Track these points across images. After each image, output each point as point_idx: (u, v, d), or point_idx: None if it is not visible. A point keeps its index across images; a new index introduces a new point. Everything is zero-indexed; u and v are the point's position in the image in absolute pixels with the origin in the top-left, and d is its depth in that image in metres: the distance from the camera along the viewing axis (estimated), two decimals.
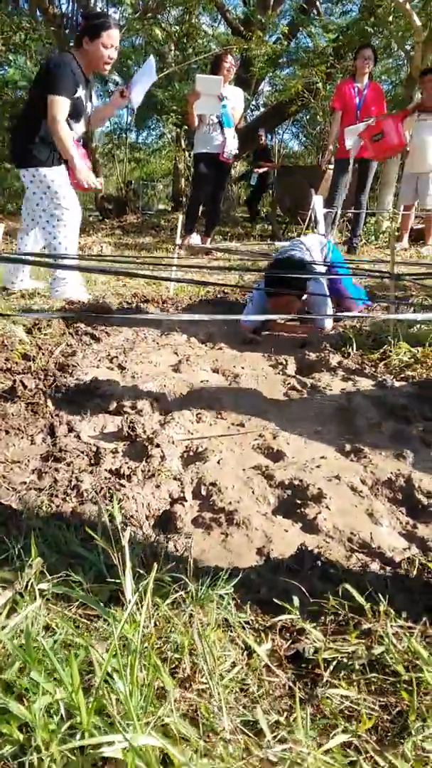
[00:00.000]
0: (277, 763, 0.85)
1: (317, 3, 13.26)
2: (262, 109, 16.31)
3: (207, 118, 7.13)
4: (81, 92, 4.11)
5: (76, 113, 4.13)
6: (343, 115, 7.09)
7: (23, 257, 3.67)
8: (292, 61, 13.14)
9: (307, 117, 16.68)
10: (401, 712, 0.96)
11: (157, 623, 1.14)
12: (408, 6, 7.95)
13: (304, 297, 3.60)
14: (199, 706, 0.94)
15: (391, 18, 9.12)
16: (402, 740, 0.91)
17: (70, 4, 11.97)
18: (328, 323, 3.69)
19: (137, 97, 4.32)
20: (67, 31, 10.92)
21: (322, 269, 3.86)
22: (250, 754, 0.86)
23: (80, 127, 4.30)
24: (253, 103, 15.10)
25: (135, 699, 0.90)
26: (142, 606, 1.05)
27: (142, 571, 1.32)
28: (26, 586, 1.21)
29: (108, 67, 4.18)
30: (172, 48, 14.07)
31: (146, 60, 4.55)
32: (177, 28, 13.41)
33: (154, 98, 12.94)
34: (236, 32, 12.97)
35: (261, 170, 12.50)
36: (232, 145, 7.23)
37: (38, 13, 11.15)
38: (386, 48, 11.63)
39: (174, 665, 1.05)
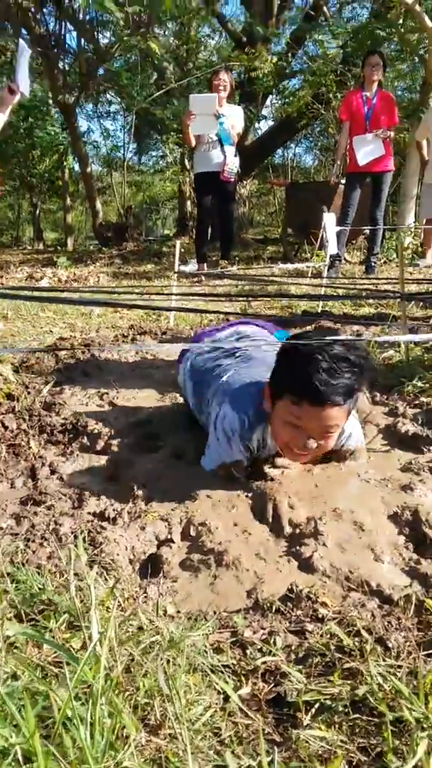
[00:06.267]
0: None
1: (324, 9, 13.60)
2: (270, 123, 16.66)
3: (205, 136, 7.36)
4: None
5: None
6: (352, 126, 7.25)
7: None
8: (299, 71, 13.43)
9: (318, 129, 16.98)
10: (381, 753, 0.99)
11: (131, 669, 1.18)
12: (418, 7, 8.15)
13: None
14: (165, 751, 0.98)
15: (401, 21, 9.32)
16: None
17: (57, 23, 12.39)
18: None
19: (24, 84, 4.54)
20: (55, 50, 11.31)
21: None
22: None
23: None
24: (262, 115, 15.40)
25: (96, 744, 0.94)
26: (105, 648, 1.09)
27: (121, 615, 1.37)
28: None
29: None
30: (171, 63, 14.44)
31: (18, 46, 4.77)
32: (175, 42, 13.79)
33: (153, 117, 13.26)
34: (239, 44, 13.33)
35: None
36: (233, 163, 7.42)
37: (23, 32, 11.55)
38: (400, 53, 11.87)
39: (146, 712, 1.09)
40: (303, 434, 1.91)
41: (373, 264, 7.74)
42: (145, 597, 1.50)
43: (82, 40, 12.49)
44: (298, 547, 1.75)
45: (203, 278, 7.35)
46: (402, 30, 9.38)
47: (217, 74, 7.56)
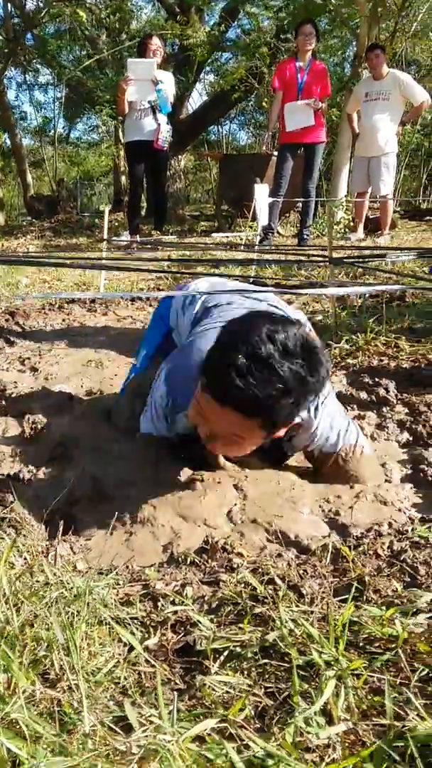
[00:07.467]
0: (139, 754, 0.83)
1: None
2: (205, 98, 16.46)
3: (138, 103, 7.13)
4: None
5: None
6: (284, 96, 7.16)
7: None
8: (232, 44, 13.28)
9: (251, 104, 16.86)
10: (288, 696, 0.96)
11: (34, 624, 1.12)
12: None
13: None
14: (62, 704, 0.92)
15: None
16: (284, 725, 0.90)
17: None
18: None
19: None
20: None
21: None
22: (109, 748, 0.84)
23: None
24: (197, 89, 15.18)
25: None
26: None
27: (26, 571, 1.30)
28: None
29: None
30: (103, 34, 14.12)
31: None
32: (106, 11, 13.44)
33: (85, 88, 12.94)
34: (172, 15, 13.09)
35: None
36: (166, 131, 7.25)
37: None
38: (332, 28, 11.84)
39: (46, 666, 1.03)
40: (207, 424, 1.57)
41: (305, 236, 7.72)
42: (55, 554, 1.44)
43: (9, 5, 12.09)
44: (218, 502, 1.71)
45: (135, 249, 7.21)
46: (335, 2, 9.34)
47: (150, 38, 7.32)
